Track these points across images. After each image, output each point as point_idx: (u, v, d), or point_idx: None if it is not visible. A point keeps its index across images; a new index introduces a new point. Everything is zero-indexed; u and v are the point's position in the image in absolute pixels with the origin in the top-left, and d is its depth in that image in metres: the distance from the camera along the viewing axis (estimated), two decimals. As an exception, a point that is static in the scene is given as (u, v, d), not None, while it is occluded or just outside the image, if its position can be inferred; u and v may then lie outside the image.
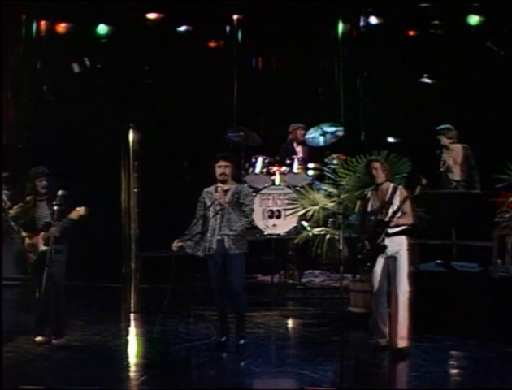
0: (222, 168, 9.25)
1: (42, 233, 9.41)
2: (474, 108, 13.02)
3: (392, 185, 9.12)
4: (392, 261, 9.03)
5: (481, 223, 10.13)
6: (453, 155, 10.95)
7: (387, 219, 8.94)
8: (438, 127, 11.01)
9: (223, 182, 9.27)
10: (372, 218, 9.08)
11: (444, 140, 10.95)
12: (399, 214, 8.94)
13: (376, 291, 9.10)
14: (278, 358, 9.18)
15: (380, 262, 9.04)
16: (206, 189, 9.35)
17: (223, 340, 9.32)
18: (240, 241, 9.15)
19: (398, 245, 9.02)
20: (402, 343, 8.91)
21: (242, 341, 9.25)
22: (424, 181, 9.13)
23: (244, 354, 9.08)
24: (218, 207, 9.15)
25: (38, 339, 9.38)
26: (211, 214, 9.17)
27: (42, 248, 9.34)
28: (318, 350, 9.21)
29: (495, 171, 10.16)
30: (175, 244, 9.16)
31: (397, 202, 8.97)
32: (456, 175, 10.91)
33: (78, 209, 9.32)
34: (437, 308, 9.78)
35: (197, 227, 9.24)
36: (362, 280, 10.52)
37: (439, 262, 10.62)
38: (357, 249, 9.24)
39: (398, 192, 9.03)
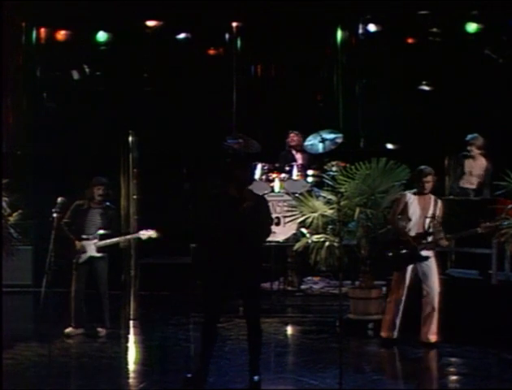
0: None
1: (95, 240, 9.92)
2: (472, 115, 13.04)
3: (433, 197, 9.50)
4: (425, 264, 9.43)
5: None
6: (474, 165, 10.98)
7: (432, 231, 9.39)
8: (468, 137, 11.12)
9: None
10: (411, 222, 9.43)
11: (474, 151, 11.06)
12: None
13: (402, 292, 9.48)
14: (277, 365, 9.16)
15: (410, 265, 9.48)
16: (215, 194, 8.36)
17: (189, 375, 8.00)
18: (256, 255, 7.94)
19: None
20: (434, 338, 9.48)
21: (257, 378, 7.91)
22: None
23: (243, 360, 9.09)
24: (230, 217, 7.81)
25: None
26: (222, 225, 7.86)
27: (96, 255, 9.94)
28: (317, 357, 9.20)
29: (494, 177, 10.18)
30: None
31: (439, 214, 9.43)
32: (470, 184, 10.98)
33: (150, 232, 10.10)
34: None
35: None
36: (362, 287, 10.55)
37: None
38: (390, 245, 9.58)
39: (439, 205, 9.49)
